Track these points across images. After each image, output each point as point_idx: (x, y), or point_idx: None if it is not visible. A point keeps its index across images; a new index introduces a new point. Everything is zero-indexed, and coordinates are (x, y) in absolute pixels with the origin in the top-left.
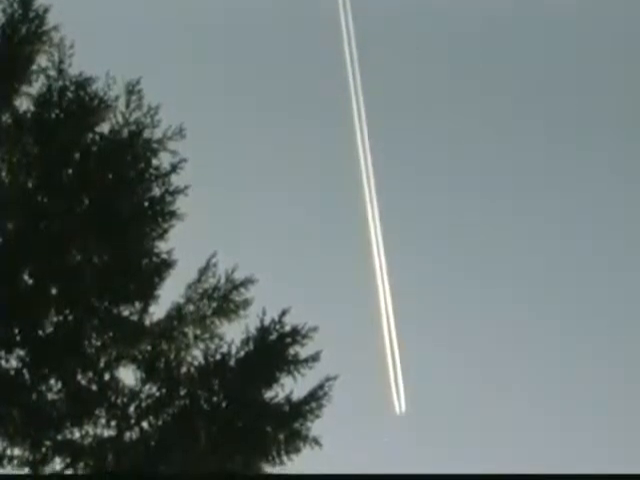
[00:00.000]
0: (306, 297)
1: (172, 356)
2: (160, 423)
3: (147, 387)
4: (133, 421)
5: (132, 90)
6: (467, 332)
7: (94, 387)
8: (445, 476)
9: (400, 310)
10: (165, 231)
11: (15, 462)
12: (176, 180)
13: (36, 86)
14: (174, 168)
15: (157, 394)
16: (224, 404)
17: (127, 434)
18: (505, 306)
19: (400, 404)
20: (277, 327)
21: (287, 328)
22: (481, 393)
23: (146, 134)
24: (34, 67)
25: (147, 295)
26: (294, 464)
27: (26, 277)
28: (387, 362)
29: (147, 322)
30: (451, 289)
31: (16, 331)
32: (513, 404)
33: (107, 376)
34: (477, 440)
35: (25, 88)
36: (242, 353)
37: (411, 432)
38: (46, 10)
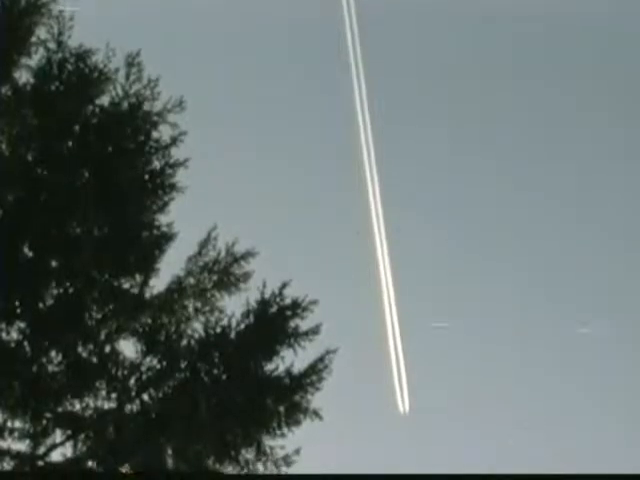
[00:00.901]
0: (306, 270)
1: (172, 329)
2: (160, 396)
3: (147, 360)
4: (133, 394)
5: (132, 62)
6: (472, 330)
7: (94, 359)
8: (447, 476)
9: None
10: (165, 204)
11: (15, 434)
12: (176, 153)
13: (35, 58)
14: (174, 141)
15: (157, 367)
16: (224, 377)
17: (127, 406)
18: (512, 301)
19: (403, 399)
20: (277, 300)
21: (287, 301)
22: (485, 392)
23: (146, 106)
24: (33, 39)
25: (147, 268)
26: (294, 437)
27: (26, 250)
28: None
29: (147, 295)
30: (453, 286)
31: (16, 303)
32: (518, 403)
33: (107, 349)
34: (480, 440)
35: (24, 60)
36: (242, 326)
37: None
38: None
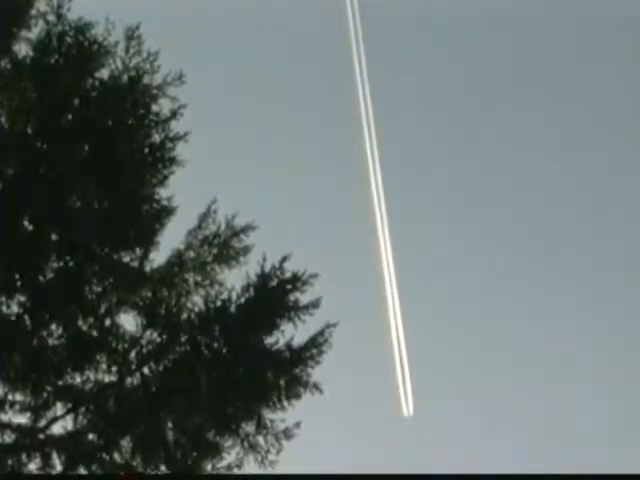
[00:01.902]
0: (307, 243)
1: (172, 302)
2: (161, 369)
3: (148, 333)
4: (134, 367)
5: (132, 36)
6: (477, 331)
7: (95, 333)
8: (451, 476)
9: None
10: (165, 177)
11: (16, 407)
12: (176, 126)
13: (35, 31)
14: (174, 114)
15: (158, 340)
16: (225, 350)
17: (128, 380)
18: (516, 300)
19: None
20: (277, 273)
21: (287, 274)
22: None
23: (146, 80)
24: (33, 12)
25: (147, 241)
26: (295, 410)
27: (26, 223)
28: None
29: (147, 268)
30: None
31: (17, 277)
32: (521, 406)
33: (108, 322)
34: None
35: (24, 33)
36: (242, 299)
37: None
38: None
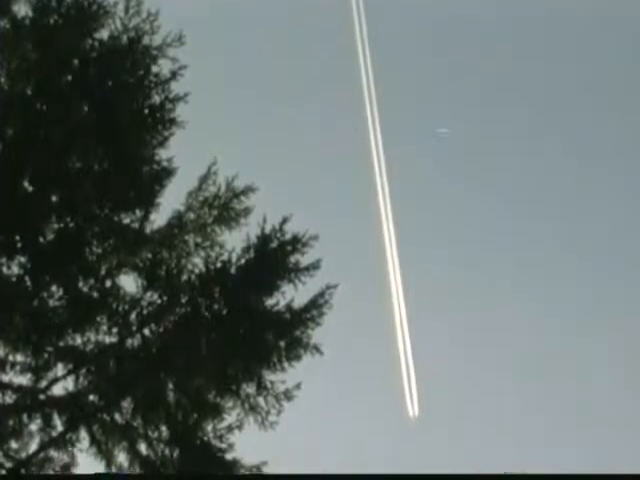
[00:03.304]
0: (307, 205)
1: (173, 264)
2: (161, 330)
3: (148, 294)
4: (134, 328)
5: None
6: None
7: (95, 294)
8: (454, 476)
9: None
10: (165, 139)
11: (17, 368)
12: (176, 87)
13: None
14: (174, 75)
15: (158, 302)
16: (225, 312)
17: (128, 341)
18: (521, 298)
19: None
20: (278, 235)
21: (288, 236)
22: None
23: (145, 41)
24: None
25: (148, 203)
26: (295, 371)
27: (26, 184)
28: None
29: (148, 230)
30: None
31: (17, 238)
32: (527, 407)
33: (108, 283)
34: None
35: None
36: (243, 261)
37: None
38: None
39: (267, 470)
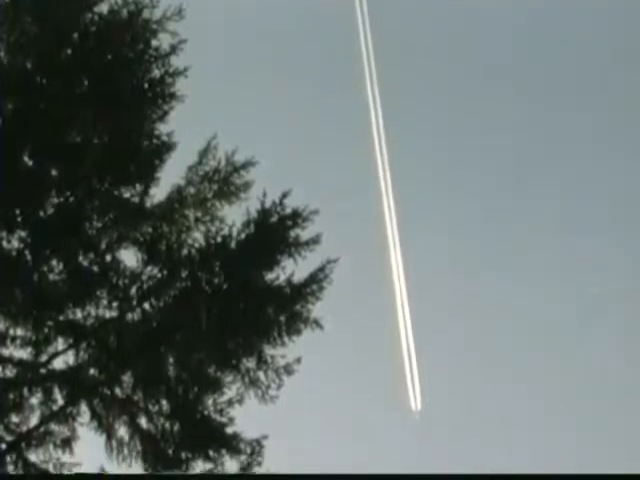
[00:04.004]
0: (307, 180)
1: (173, 238)
2: (161, 305)
3: (148, 269)
4: (135, 302)
5: None
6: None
7: (95, 268)
8: (457, 476)
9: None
10: (165, 113)
11: (18, 342)
12: (176, 61)
13: None
14: (174, 49)
15: (158, 276)
16: (225, 286)
17: (129, 315)
18: (525, 299)
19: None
20: (278, 209)
21: (288, 211)
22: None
23: (145, 14)
24: None
25: (148, 177)
26: (296, 346)
27: (26, 158)
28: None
29: (148, 204)
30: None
31: (17, 212)
32: (529, 402)
33: (108, 257)
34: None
35: None
36: (243, 235)
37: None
38: None
39: (267, 444)
